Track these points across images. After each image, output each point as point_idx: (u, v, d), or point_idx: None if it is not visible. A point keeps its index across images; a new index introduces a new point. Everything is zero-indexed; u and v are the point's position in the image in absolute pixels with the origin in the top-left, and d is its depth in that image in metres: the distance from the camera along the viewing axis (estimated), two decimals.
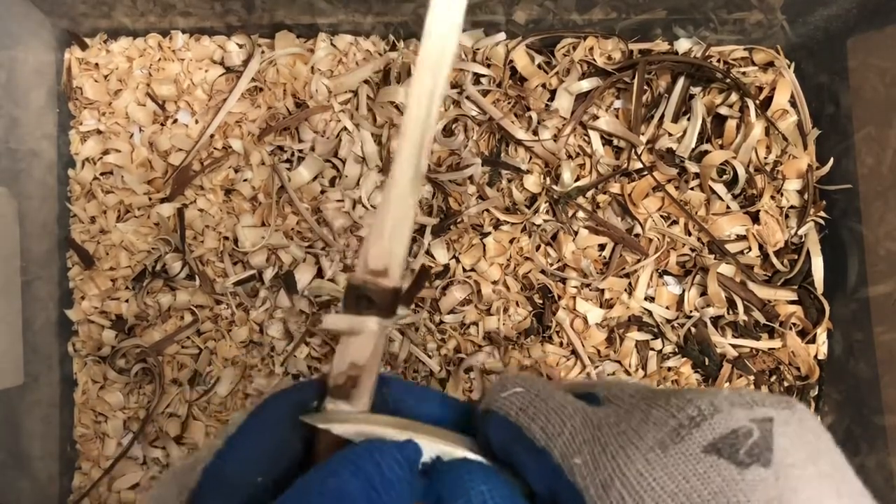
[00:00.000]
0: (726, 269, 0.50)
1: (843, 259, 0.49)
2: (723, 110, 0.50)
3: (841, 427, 0.50)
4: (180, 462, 0.23)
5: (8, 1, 0.46)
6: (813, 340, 0.50)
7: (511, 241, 0.50)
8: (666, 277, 0.51)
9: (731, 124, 0.51)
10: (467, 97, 0.50)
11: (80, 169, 0.51)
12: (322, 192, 0.50)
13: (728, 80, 0.50)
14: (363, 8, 0.48)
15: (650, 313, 0.50)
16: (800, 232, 0.50)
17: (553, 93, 0.50)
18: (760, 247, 0.50)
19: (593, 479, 0.19)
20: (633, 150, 0.50)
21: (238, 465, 0.22)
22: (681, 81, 0.51)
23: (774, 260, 0.50)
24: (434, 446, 0.22)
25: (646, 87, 0.51)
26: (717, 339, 0.49)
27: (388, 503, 0.20)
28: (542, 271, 0.50)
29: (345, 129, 0.50)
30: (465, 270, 0.50)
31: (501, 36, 0.51)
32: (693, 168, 0.50)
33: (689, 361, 0.50)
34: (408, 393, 0.24)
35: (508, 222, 0.50)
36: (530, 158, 0.50)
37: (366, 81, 0.50)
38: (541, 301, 0.50)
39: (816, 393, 0.50)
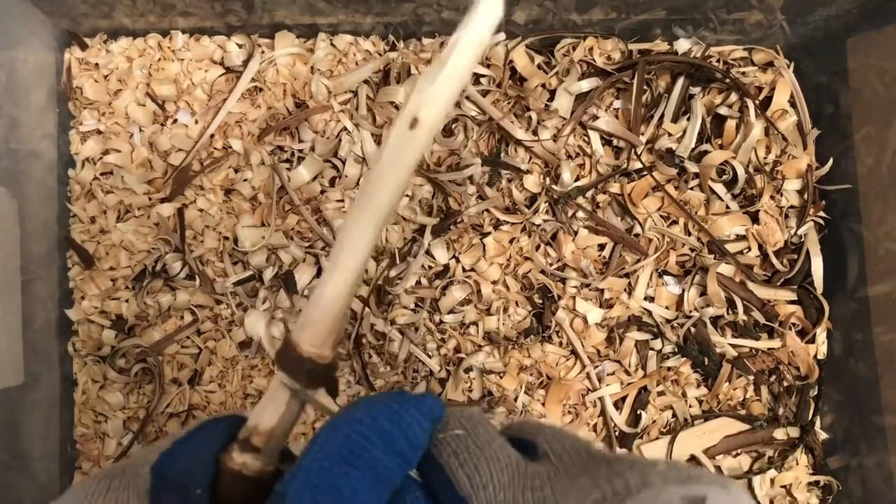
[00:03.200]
0: (726, 268, 0.50)
1: (842, 259, 0.49)
2: (722, 110, 0.50)
3: (841, 427, 0.50)
4: (110, 470, 0.22)
5: (8, 1, 0.46)
6: (812, 340, 0.50)
7: (511, 241, 0.50)
8: (666, 277, 0.51)
9: (730, 124, 0.51)
10: (467, 97, 0.50)
11: (80, 169, 0.51)
12: (322, 192, 0.50)
13: (728, 80, 0.50)
14: (363, 8, 0.48)
15: (650, 313, 0.50)
16: (799, 232, 0.50)
17: (553, 93, 0.50)
18: (760, 247, 0.50)
19: None
20: (632, 150, 0.50)
21: (178, 470, 0.22)
22: (680, 81, 0.51)
23: (774, 260, 0.50)
24: None
25: (645, 87, 0.51)
26: (717, 339, 0.49)
27: (412, 466, 0.20)
28: (542, 271, 0.50)
29: (345, 129, 0.50)
30: (464, 270, 0.50)
31: (501, 36, 0.51)
32: (693, 168, 0.50)
33: (689, 361, 0.50)
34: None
35: (508, 222, 0.50)
36: (530, 158, 0.51)
37: (365, 81, 0.50)
38: (540, 301, 0.50)
39: (816, 393, 0.50)
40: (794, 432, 0.50)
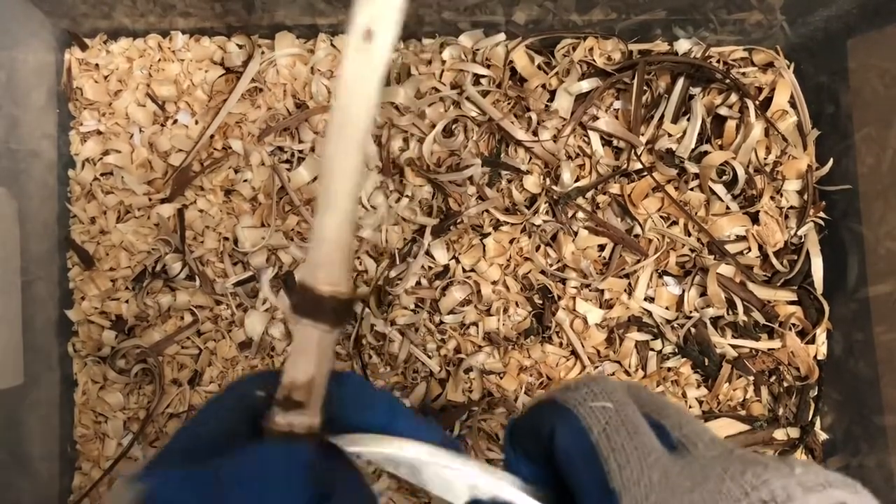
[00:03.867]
0: (726, 269, 0.50)
1: (842, 259, 0.49)
2: (722, 111, 0.50)
3: (841, 427, 0.50)
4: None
5: (8, 1, 0.46)
6: (813, 341, 0.50)
7: (511, 242, 0.50)
8: (666, 278, 0.51)
9: (730, 125, 0.51)
10: (467, 98, 0.50)
11: (80, 169, 0.51)
12: None
13: (728, 81, 0.50)
14: None
15: (650, 314, 0.50)
16: (799, 232, 0.50)
17: (553, 93, 0.50)
18: (760, 247, 0.50)
19: None
20: (632, 151, 0.50)
21: (181, 453, 0.22)
22: (680, 82, 0.51)
23: (774, 260, 0.50)
24: (470, 478, 0.21)
25: (645, 88, 0.51)
26: (717, 340, 0.49)
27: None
28: (542, 272, 0.50)
29: None
30: (464, 271, 0.50)
31: (501, 36, 0.51)
32: (693, 168, 0.50)
33: (689, 362, 0.50)
34: (355, 398, 0.23)
35: (508, 223, 0.50)
36: (530, 159, 0.51)
37: None
38: (540, 301, 0.50)
39: (816, 393, 0.50)
40: (794, 433, 0.50)
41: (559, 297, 0.49)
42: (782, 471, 0.19)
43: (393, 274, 0.49)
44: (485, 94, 0.50)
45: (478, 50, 0.51)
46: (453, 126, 0.51)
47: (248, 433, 0.23)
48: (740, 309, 0.49)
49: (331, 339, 0.22)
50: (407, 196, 0.50)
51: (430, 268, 0.50)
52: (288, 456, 0.20)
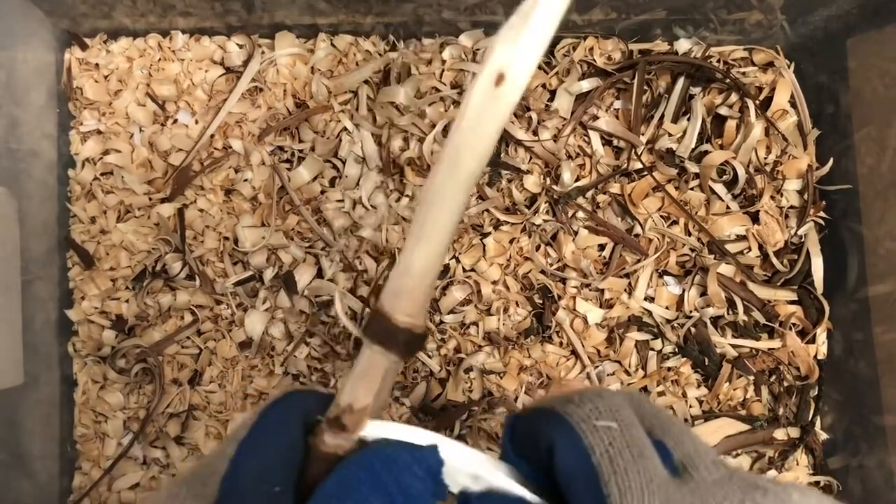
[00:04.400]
0: (726, 269, 0.50)
1: (843, 259, 0.49)
2: (723, 110, 0.50)
3: (841, 427, 0.50)
4: (188, 472, 0.22)
5: (8, 1, 0.46)
6: (813, 340, 0.50)
7: (511, 242, 0.50)
8: (666, 277, 0.51)
9: (730, 124, 0.51)
10: None
11: (80, 169, 0.51)
12: (322, 192, 0.50)
13: (728, 81, 0.50)
14: (363, 8, 0.48)
15: (650, 313, 0.50)
16: (800, 232, 0.50)
17: (553, 93, 0.50)
18: (760, 247, 0.50)
19: None
20: (632, 151, 0.50)
21: (254, 474, 0.21)
22: (681, 82, 0.51)
23: (774, 260, 0.50)
24: (475, 465, 0.21)
25: (646, 88, 0.51)
26: (717, 339, 0.49)
27: None
28: (542, 271, 0.50)
29: (345, 129, 0.50)
30: (465, 270, 0.50)
31: None
32: (693, 168, 0.50)
33: (689, 361, 0.50)
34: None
35: (508, 222, 0.50)
36: (530, 158, 0.51)
37: (366, 82, 0.50)
38: (541, 301, 0.50)
39: (816, 393, 0.50)
40: (794, 432, 0.50)
41: (559, 297, 0.49)
42: (779, 496, 0.19)
43: None
44: None
45: (478, 50, 0.51)
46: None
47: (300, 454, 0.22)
48: (740, 309, 0.49)
49: (396, 370, 0.22)
50: (407, 196, 0.50)
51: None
52: (420, 462, 0.20)
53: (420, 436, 0.22)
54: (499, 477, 0.21)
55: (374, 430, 0.22)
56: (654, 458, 0.20)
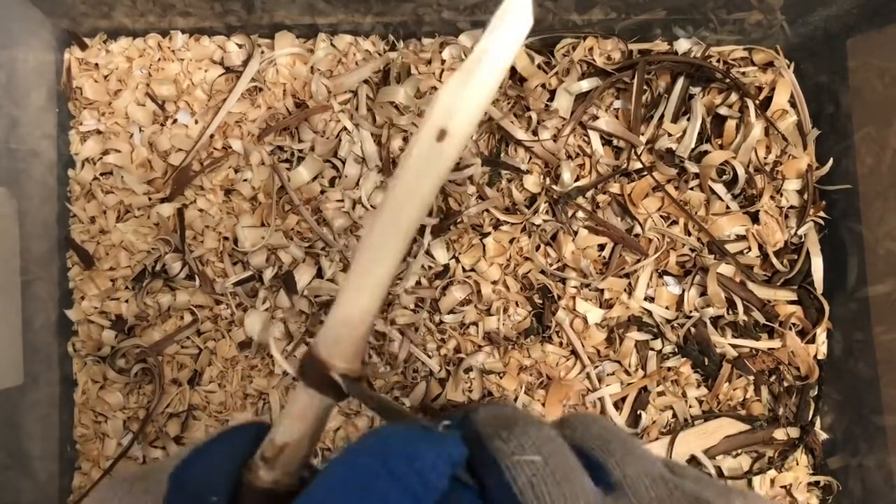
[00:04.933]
0: (726, 269, 0.50)
1: (842, 259, 0.49)
2: (722, 110, 0.50)
3: (841, 427, 0.50)
4: (141, 468, 0.23)
5: (8, 1, 0.46)
6: (813, 340, 0.50)
7: (511, 242, 0.50)
8: (666, 277, 0.51)
9: (730, 124, 0.51)
10: None
11: (80, 169, 0.51)
12: (322, 192, 0.50)
13: (728, 81, 0.50)
14: (363, 8, 0.48)
15: (650, 313, 0.50)
16: (799, 232, 0.50)
17: (553, 93, 0.50)
18: (760, 247, 0.50)
19: None
20: (632, 151, 0.50)
21: (200, 478, 0.21)
22: (680, 81, 0.51)
23: (774, 260, 0.50)
24: None
25: (645, 88, 0.51)
26: (717, 339, 0.49)
27: None
28: (542, 271, 0.50)
29: (344, 129, 0.50)
30: (464, 270, 0.50)
31: None
32: (693, 168, 0.50)
33: (689, 361, 0.50)
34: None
35: (508, 222, 0.50)
36: (530, 158, 0.51)
37: (365, 81, 0.50)
38: (540, 301, 0.50)
39: (816, 393, 0.50)
40: (794, 432, 0.50)
41: (559, 297, 0.49)
42: None
43: None
44: None
45: None
46: None
47: (231, 485, 0.22)
48: (740, 309, 0.49)
49: (329, 410, 0.22)
50: None
51: (430, 267, 0.50)
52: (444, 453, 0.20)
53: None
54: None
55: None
56: (582, 480, 0.20)
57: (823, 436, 0.51)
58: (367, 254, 0.21)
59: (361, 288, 0.21)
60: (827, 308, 0.49)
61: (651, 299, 0.50)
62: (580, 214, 0.50)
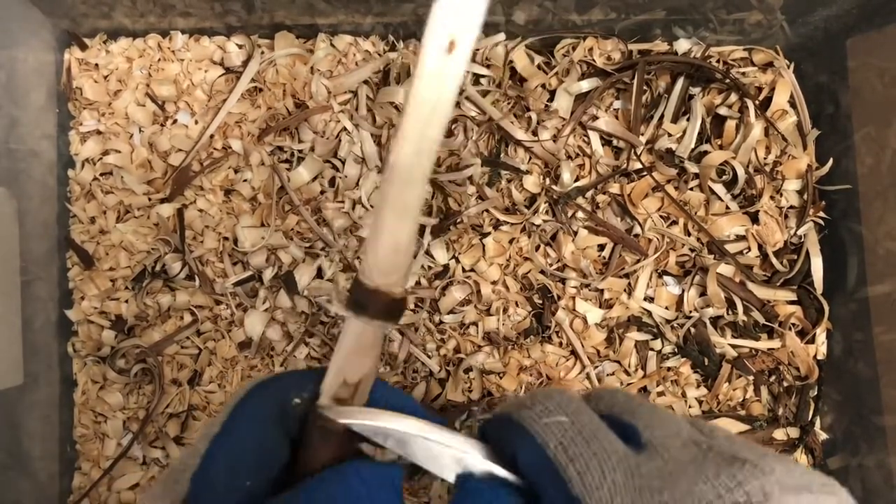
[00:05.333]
0: (726, 269, 0.50)
1: (842, 259, 0.49)
2: (722, 110, 0.50)
3: (841, 427, 0.50)
4: (165, 472, 0.22)
5: (8, 1, 0.46)
6: (812, 340, 0.50)
7: (510, 242, 0.50)
8: (665, 278, 0.51)
9: (730, 124, 0.51)
10: (467, 97, 0.50)
11: (79, 169, 0.51)
12: (322, 192, 0.50)
13: (727, 81, 0.50)
14: (363, 8, 0.48)
15: (650, 313, 0.50)
16: (799, 232, 0.50)
17: (553, 93, 0.50)
18: (760, 247, 0.50)
19: None
20: (632, 151, 0.50)
21: (225, 470, 0.21)
22: (680, 82, 0.51)
23: (774, 260, 0.50)
24: (458, 452, 0.22)
25: (645, 88, 0.51)
26: (717, 340, 0.49)
27: None
28: (542, 271, 0.50)
29: (344, 129, 0.50)
30: (464, 271, 0.50)
31: (501, 36, 0.51)
32: (692, 168, 0.50)
33: (689, 361, 0.50)
34: (391, 396, 0.24)
35: (508, 222, 0.50)
36: (530, 159, 0.51)
37: (365, 82, 0.50)
38: (540, 301, 0.50)
39: (816, 393, 0.50)
40: (794, 432, 0.50)
41: (559, 297, 0.49)
42: (760, 469, 0.19)
43: None
44: (485, 93, 0.50)
45: (478, 50, 0.51)
46: (453, 126, 0.51)
47: (284, 442, 0.22)
48: (740, 309, 0.49)
49: (382, 336, 0.23)
50: None
51: (430, 267, 0.50)
52: (384, 478, 0.21)
53: (403, 423, 0.22)
54: (478, 458, 0.22)
55: (361, 417, 0.22)
56: (611, 438, 0.20)
57: (823, 436, 0.51)
58: (398, 180, 0.21)
59: (402, 213, 0.21)
60: (827, 308, 0.49)
61: (651, 299, 0.50)
62: (580, 214, 0.50)
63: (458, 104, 0.50)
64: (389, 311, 0.22)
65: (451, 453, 0.22)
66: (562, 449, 0.20)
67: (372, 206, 0.49)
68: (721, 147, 0.51)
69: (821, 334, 0.50)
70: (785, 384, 0.50)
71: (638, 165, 0.50)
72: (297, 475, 0.22)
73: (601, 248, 0.51)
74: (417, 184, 0.21)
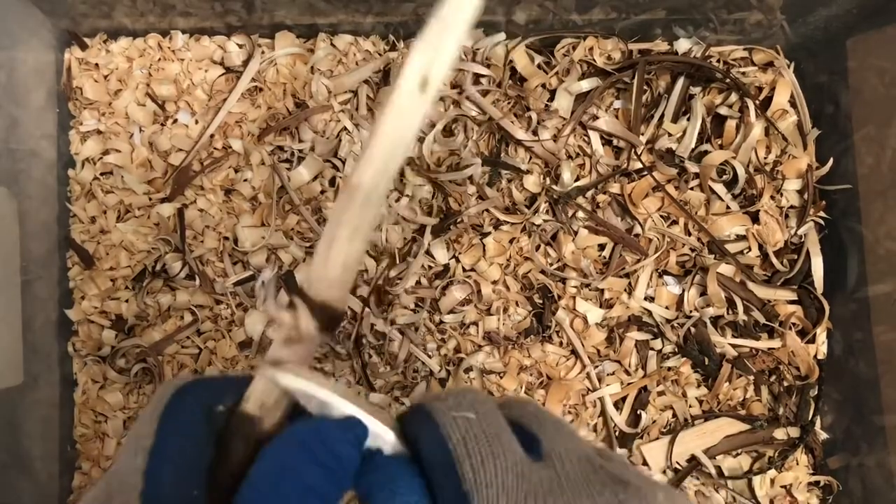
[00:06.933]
0: (726, 268, 0.50)
1: (842, 259, 0.49)
2: (722, 110, 0.50)
3: (841, 427, 0.50)
4: (100, 491, 0.22)
5: (8, 1, 0.46)
6: (813, 340, 0.50)
7: (511, 241, 0.50)
8: (666, 277, 0.51)
9: (730, 124, 0.51)
10: (467, 97, 0.50)
11: (80, 169, 0.51)
12: (322, 192, 0.50)
13: (728, 81, 0.50)
14: (363, 8, 0.48)
15: (650, 313, 0.50)
16: (799, 232, 0.50)
17: (553, 93, 0.50)
18: (760, 247, 0.50)
19: None
20: (632, 151, 0.50)
21: (173, 484, 0.21)
22: (680, 81, 0.51)
23: (774, 260, 0.50)
24: (374, 429, 0.22)
25: (645, 88, 0.51)
26: (717, 339, 0.49)
27: (345, 480, 0.20)
28: (542, 271, 0.50)
29: (344, 129, 0.50)
30: (464, 270, 0.50)
31: (501, 36, 0.51)
32: (693, 168, 0.50)
33: (689, 361, 0.50)
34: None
35: (508, 222, 0.50)
36: (530, 158, 0.51)
37: (365, 81, 0.50)
38: (540, 301, 0.50)
39: (816, 393, 0.50)
40: (794, 432, 0.50)
41: (559, 297, 0.49)
42: (644, 494, 0.20)
43: (393, 273, 0.49)
44: (485, 93, 0.50)
45: (478, 50, 0.51)
46: (453, 126, 0.51)
47: (212, 447, 0.22)
48: (740, 308, 0.49)
49: (314, 346, 0.24)
50: (407, 195, 0.50)
51: (430, 267, 0.50)
52: (349, 429, 0.22)
53: (332, 389, 0.23)
54: (392, 440, 0.22)
55: (292, 382, 0.23)
56: (513, 443, 0.21)
57: (823, 436, 0.51)
58: (357, 200, 0.22)
59: (355, 232, 0.22)
60: (827, 308, 0.49)
61: (651, 299, 0.50)
62: (580, 214, 0.50)
63: (458, 104, 0.50)
64: (328, 323, 0.23)
65: (371, 427, 0.22)
66: (462, 444, 0.20)
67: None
68: (721, 147, 0.51)
69: (821, 334, 0.50)
70: (785, 384, 0.50)
71: (638, 165, 0.50)
72: (221, 478, 0.22)
73: (601, 247, 0.51)
74: (374, 206, 0.22)
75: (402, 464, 0.22)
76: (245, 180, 0.50)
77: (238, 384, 0.23)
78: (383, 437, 0.22)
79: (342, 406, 0.22)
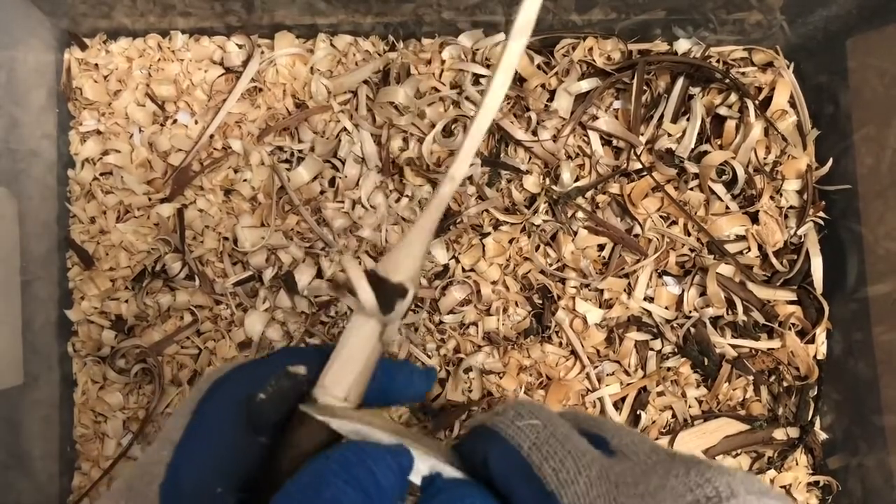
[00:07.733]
0: (726, 269, 0.50)
1: (842, 259, 0.49)
2: (722, 111, 0.50)
3: (841, 427, 0.50)
4: (125, 481, 0.22)
5: (8, 1, 0.46)
6: (812, 340, 0.50)
7: (510, 242, 0.50)
8: (665, 278, 0.51)
9: (730, 124, 0.51)
10: (467, 98, 0.50)
11: (79, 169, 0.51)
12: (322, 192, 0.50)
13: (727, 81, 0.50)
14: (363, 8, 0.48)
15: (649, 313, 0.50)
16: (799, 232, 0.50)
17: (552, 93, 0.50)
18: (760, 247, 0.50)
19: None
20: (632, 151, 0.50)
21: (194, 479, 0.21)
22: (680, 82, 0.51)
23: (774, 260, 0.50)
24: (427, 458, 0.22)
25: (645, 88, 0.51)
26: (717, 340, 0.49)
27: None
28: (542, 271, 0.50)
29: (344, 129, 0.50)
30: (464, 270, 0.50)
31: (501, 36, 0.51)
32: (692, 168, 0.50)
33: (689, 361, 0.50)
34: (396, 371, 0.25)
35: (508, 222, 0.50)
36: (530, 159, 0.51)
37: (365, 82, 0.50)
38: (540, 301, 0.50)
39: (816, 393, 0.50)
40: (793, 432, 0.50)
41: (559, 297, 0.49)
42: (727, 470, 0.20)
43: None
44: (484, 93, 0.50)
45: (478, 50, 0.51)
46: (453, 126, 0.51)
47: (253, 441, 0.22)
48: (740, 309, 0.49)
49: (381, 332, 0.25)
50: (407, 196, 0.50)
51: (430, 267, 0.50)
52: (394, 456, 0.22)
53: (381, 426, 0.22)
54: (448, 467, 0.22)
55: (345, 426, 0.22)
56: (584, 442, 0.21)
57: (823, 436, 0.51)
58: (451, 193, 0.25)
59: (421, 230, 0.25)
60: (826, 308, 0.49)
61: (651, 299, 0.50)
62: (580, 214, 0.50)
63: (457, 104, 0.50)
64: (396, 297, 0.24)
65: (424, 459, 0.22)
66: (535, 449, 0.20)
67: (372, 207, 0.49)
68: (721, 147, 0.51)
69: (821, 334, 0.50)
70: (785, 384, 0.50)
71: (638, 165, 0.50)
72: (278, 474, 0.22)
73: (601, 248, 0.51)
74: (455, 184, 0.25)
75: (467, 483, 0.22)
76: (245, 180, 0.50)
77: (272, 367, 0.23)
78: (439, 466, 0.22)
79: (391, 440, 0.22)
